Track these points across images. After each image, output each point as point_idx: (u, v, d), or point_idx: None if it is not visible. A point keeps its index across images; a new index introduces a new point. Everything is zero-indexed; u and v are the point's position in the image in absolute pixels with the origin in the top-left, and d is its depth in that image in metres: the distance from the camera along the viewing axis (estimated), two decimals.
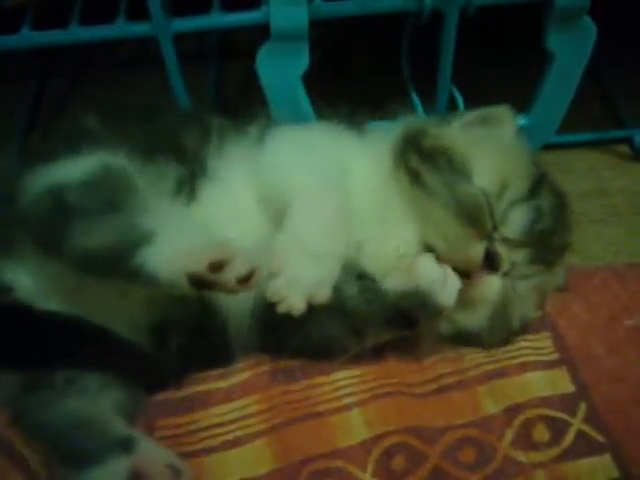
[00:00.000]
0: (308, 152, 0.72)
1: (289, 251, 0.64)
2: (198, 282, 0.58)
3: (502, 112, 0.76)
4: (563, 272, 0.77)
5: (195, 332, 0.70)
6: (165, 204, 0.68)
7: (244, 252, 0.59)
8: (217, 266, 0.57)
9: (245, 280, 0.58)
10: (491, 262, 0.68)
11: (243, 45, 0.82)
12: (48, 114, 1.13)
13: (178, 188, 0.70)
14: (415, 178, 0.70)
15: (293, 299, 0.63)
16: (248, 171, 0.72)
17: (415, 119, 0.81)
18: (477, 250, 0.68)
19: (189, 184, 0.71)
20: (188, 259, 0.57)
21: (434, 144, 0.72)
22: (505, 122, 0.75)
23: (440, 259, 0.69)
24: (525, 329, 0.76)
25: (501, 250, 0.68)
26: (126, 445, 0.62)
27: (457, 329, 0.72)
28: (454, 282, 0.67)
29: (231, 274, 0.57)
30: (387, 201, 0.72)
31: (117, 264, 0.59)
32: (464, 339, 0.73)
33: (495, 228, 0.68)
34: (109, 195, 0.63)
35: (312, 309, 0.65)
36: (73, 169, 0.65)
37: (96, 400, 0.67)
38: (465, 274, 0.68)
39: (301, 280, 0.63)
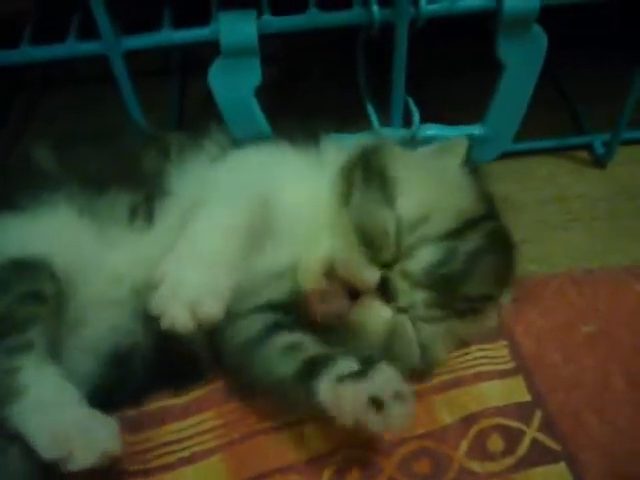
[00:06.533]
0: (242, 174, 0.71)
1: (178, 257, 0.62)
2: None
3: (455, 143, 0.74)
4: (496, 316, 0.74)
5: (162, 353, 0.70)
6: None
7: (89, 444, 0.57)
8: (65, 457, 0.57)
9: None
10: (386, 292, 0.66)
11: (208, 60, 0.82)
12: (12, 131, 1.13)
13: (132, 215, 0.70)
14: (348, 189, 0.69)
15: (175, 310, 0.58)
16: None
17: (379, 137, 0.80)
18: (372, 275, 0.66)
19: (145, 208, 0.71)
20: (40, 442, 0.57)
21: (378, 163, 0.71)
22: (454, 152, 0.73)
23: (336, 275, 0.67)
24: (432, 369, 0.73)
25: (398, 283, 0.66)
26: None
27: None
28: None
29: (74, 465, 0.56)
30: (320, 214, 0.71)
31: None
32: None
33: (397, 259, 0.66)
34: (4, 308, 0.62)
35: None
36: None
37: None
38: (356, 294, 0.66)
39: (182, 287, 0.59)
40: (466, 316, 0.69)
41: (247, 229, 0.65)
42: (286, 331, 0.69)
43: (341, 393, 0.59)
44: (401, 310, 0.66)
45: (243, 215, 0.66)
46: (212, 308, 0.59)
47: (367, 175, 0.70)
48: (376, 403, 0.58)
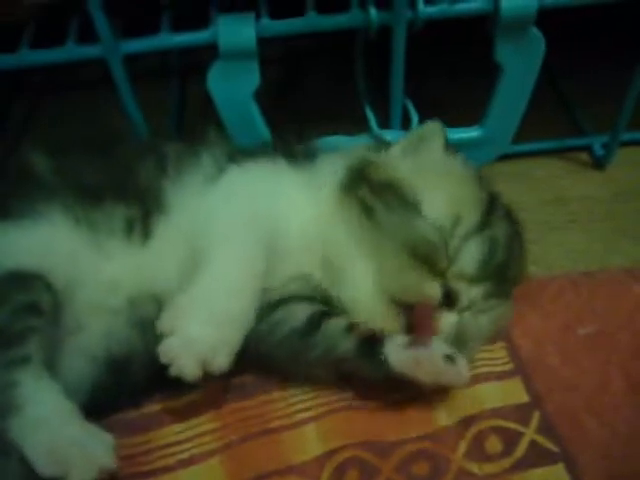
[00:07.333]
0: (241, 201, 0.70)
1: (187, 310, 0.62)
2: None
3: (431, 127, 0.73)
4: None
5: (158, 359, 0.69)
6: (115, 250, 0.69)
7: (85, 461, 0.58)
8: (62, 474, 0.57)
9: None
10: (448, 299, 0.67)
11: (207, 63, 0.82)
12: (12, 136, 1.14)
13: (128, 228, 0.70)
14: (369, 213, 0.69)
15: (184, 362, 0.60)
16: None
17: (356, 149, 0.77)
18: (434, 289, 0.67)
19: (141, 222, 0.71)
20: (38, 459, 0.57)
21: (382, 177, 0.70)
22: (433, 137, 0.73)
23: (397, 299, 0.68)
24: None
25: (458, 287, 0.68)
26: None
27: None
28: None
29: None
30: (337, 239, 0.70)
31: None
32: None
33: (450, 264, 0.67)
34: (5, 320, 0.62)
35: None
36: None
37: None
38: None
39: (195, 342, 0.60)
40: (508, 299, 0.72)
41: (261, 275, 0.66)
42: (334, 316, 0.70)
43: (420, 357, 0.64)
44: (463, 310, 0.69)
45: (256, 261, 0.66)
46: (222, 362, 0.61)
47: (377, 192, 0.69)
48: (449, 359, 0.64)
